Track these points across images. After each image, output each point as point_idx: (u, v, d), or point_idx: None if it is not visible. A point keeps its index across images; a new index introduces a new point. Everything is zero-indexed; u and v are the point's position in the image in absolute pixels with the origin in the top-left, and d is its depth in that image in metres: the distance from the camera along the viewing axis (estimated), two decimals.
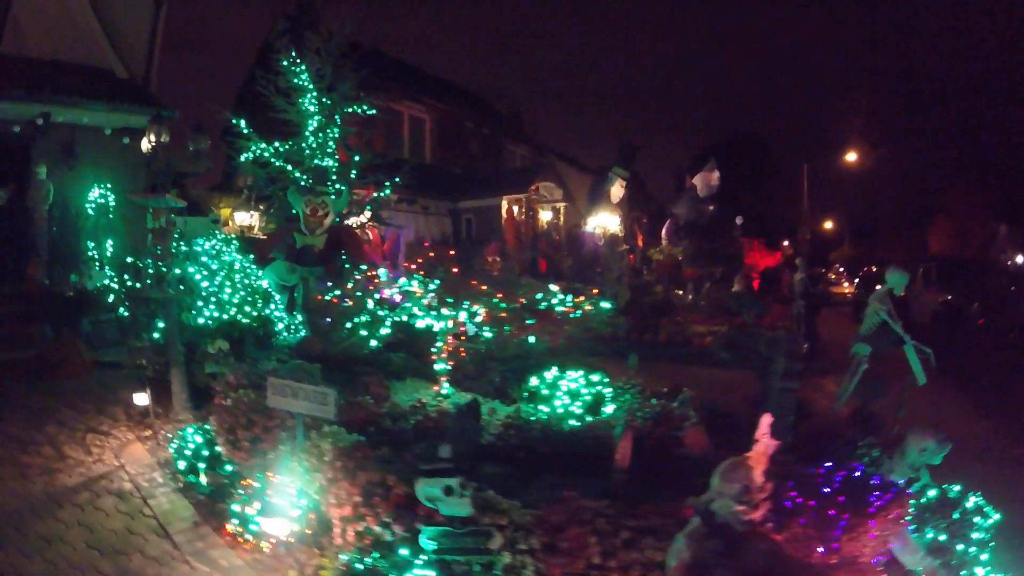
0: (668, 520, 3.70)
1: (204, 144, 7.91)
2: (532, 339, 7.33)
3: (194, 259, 8.18)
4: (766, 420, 3.62)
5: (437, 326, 7.20)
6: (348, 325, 7.79)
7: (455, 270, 8.81)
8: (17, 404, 7.57)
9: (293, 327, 8.58)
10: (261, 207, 13.88)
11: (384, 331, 7.69)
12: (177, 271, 7.98)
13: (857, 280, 27.60)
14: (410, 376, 7.79)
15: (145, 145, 9.21)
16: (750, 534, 2.98)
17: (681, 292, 16.28)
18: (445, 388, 7.21)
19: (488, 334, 7.25)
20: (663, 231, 17.70)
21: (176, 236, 8.89)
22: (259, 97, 10.64)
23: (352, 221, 10.74)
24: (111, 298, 9.66)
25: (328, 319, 7.91)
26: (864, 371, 7.18)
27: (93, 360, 8.99)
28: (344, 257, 8.78)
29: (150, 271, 8.39)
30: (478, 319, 7.13)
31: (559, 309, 7.68)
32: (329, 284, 8.20)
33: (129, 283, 8.99)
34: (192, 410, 7.06)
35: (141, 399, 7.04)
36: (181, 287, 7.83)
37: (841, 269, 41.97)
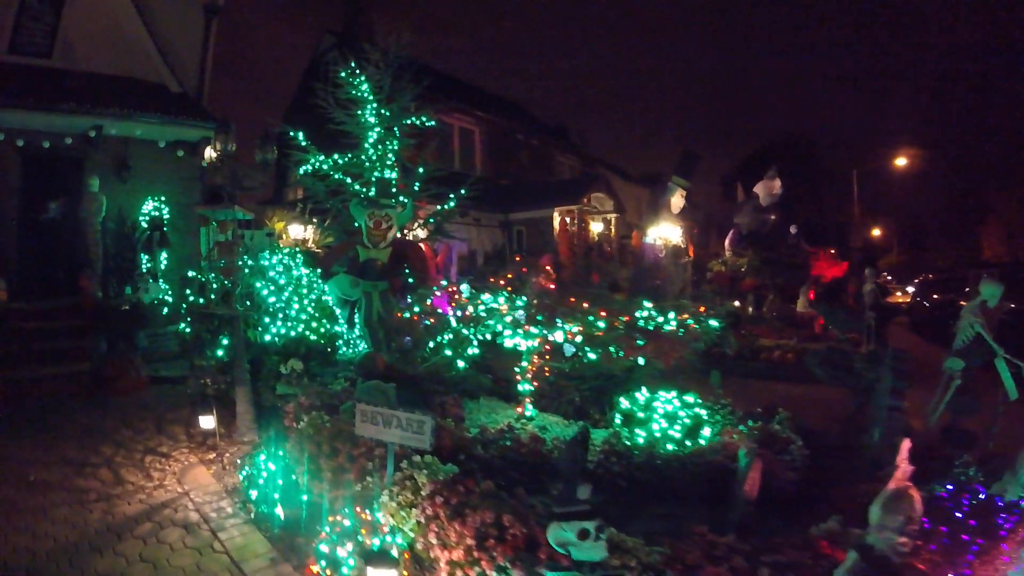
0: (804, 553, 3.39)
1: (272, 155, 7.65)
2: (642, 360, 6.81)
3: (261, 274, 7.91)
4: (906, 445, 3.29)
5: (524, 345, 6.76)
6: (431, 344, 7.38)
7: (552, 286, 8.39)
8: (72, 421, 7.35)
9: (353, 342, 8.29)
10: (315, 220, 13.69)
11: (472, 351, 7.27)
12: (245, 286, 7.71)
13: (913, 289, 26.39)
14: (483, 395, 7.41)
15: (209, 155, 9.02)
16: (906, 566, 2.88)
17: (739, 304, 15.71)
18: (529, 410, 6.79)
19: (592, 355, 6.77)
20: (726, 241, 17.16)
21: (241, 250, 8.64)
22: (311, 110, 10.38)
23: (411, 235, 10.39)
24: (166, 312, 9.47)
25: (408, 338, 7.51)
26: (956, 387, 6.73)
27: (150, 375, 8.79)
28: (408, 271, 8.42)
29: (214, 286, 8.14)
30: (578, 339, 6.66)
31: (667, 328, 7.15)
32: (409, 300, 7.81)
33: (192, 298, 8.76)
34: (258, 431, 6.69)
35: (207, 422, 6.67)
36: (247, 303, 7.54)
37: (888, 277, 40.62)
